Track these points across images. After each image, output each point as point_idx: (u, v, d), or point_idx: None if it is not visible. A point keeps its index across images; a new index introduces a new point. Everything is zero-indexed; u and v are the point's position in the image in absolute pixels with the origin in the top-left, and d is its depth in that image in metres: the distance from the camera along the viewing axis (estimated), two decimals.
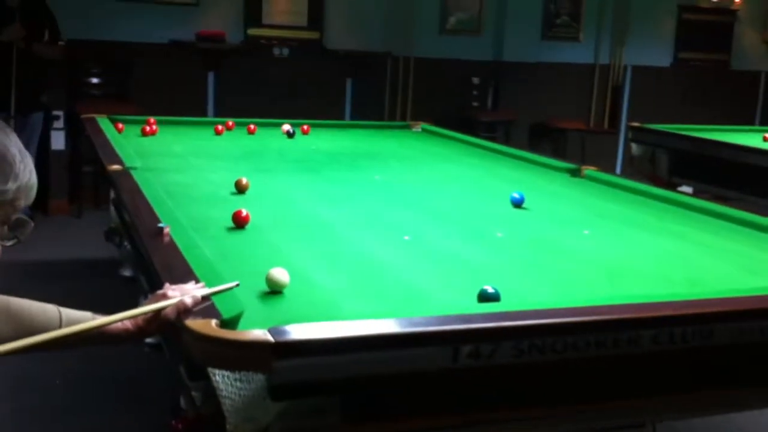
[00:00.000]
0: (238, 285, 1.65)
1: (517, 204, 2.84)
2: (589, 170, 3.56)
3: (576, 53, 8.29)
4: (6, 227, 1.37)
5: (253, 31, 7.04)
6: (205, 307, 1.54)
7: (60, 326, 1.51)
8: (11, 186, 1.34)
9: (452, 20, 7.81)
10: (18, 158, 1.35)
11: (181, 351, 1.52)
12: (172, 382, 2.03)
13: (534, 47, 8.00)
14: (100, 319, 1.51)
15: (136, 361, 3.35)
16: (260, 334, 1.36)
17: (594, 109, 8.48)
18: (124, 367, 3.53)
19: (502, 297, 1.71)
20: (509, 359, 1.49)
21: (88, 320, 1.52)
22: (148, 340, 2.57)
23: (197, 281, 1.66)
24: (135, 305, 1.57)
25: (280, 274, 1.79)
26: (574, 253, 2.31)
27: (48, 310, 1.55)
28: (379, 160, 3.97)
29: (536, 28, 8.08)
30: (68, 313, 1.56)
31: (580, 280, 2.03)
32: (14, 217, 1.38)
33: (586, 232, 2.55)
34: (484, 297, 1.70)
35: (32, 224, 1.42)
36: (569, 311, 1.59)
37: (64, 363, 3.59)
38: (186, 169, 3.37)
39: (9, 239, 1.39)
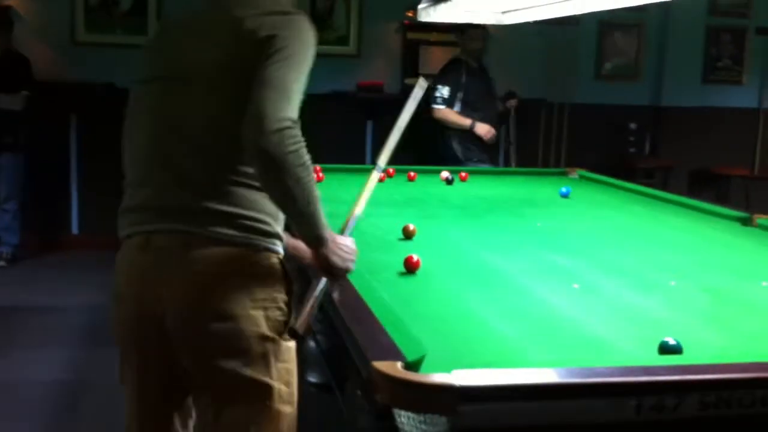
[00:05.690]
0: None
1: (565, 196, 3.54)
2: (761, 219, 3.42)
3: (739, 97, 8.00)
4: None
5: (410, 81, 7.21)
6: (390, 348, 1.59)
7: None
8: None
9: (608, 66, 7.74)
10: None
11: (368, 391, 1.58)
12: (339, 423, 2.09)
13: (694, 91, 7.79)
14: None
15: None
16: (445, 377, 1.40)
17: (759, 154, 8.13)
18: None
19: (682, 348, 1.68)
20: (694, 413, 1.46)
21: None
22: (312, 379, 2.59)
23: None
24: None
25: None
26: (754, 304, 2.23)
27: None
28: (539, 206, 3.96)
29: (696, 72, 7.87)
30: None
31: (763, 334, 1.96)
32: None
33: (764, 284, 2.46)
34: (665, 349, 1.67)
35: None
36: (756, 366, 1.55)
37: None
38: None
39: None
